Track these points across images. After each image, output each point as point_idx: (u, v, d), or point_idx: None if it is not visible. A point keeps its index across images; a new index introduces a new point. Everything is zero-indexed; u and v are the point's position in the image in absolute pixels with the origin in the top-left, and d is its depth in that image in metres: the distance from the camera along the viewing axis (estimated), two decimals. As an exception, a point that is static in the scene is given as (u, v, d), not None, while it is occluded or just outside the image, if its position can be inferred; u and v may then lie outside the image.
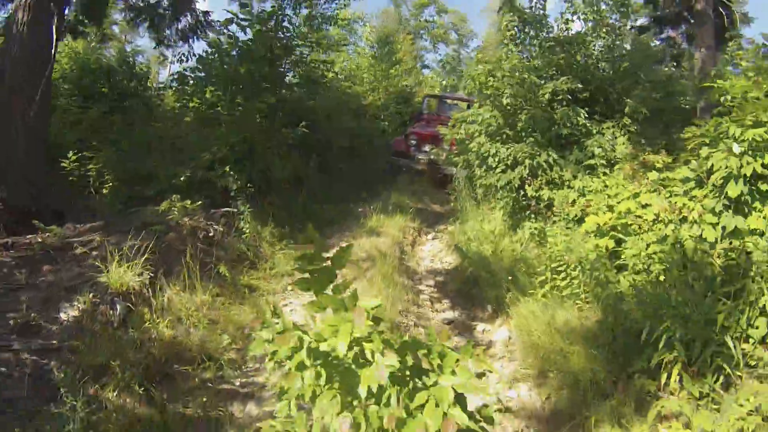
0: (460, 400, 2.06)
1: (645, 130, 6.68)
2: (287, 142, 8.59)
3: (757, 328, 3.45)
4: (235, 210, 6.69)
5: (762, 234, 4.06)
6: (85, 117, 9.52)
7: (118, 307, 4.22)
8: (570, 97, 6.80)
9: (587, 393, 3.73)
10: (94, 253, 5.35)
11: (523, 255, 5.98)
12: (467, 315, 5.75)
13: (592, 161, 6.19)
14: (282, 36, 9.81)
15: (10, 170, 6.44)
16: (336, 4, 11.92)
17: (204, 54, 9.47)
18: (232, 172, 6.99)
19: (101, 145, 8.53)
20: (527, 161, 6.38)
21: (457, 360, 2.06)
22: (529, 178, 6.42)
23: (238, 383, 3.86)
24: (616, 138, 6.48)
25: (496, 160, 6.81)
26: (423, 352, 2.12)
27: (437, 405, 1.95)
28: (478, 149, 7.12)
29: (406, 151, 12.42)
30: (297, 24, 10.33)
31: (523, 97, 6.78)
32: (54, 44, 6.92)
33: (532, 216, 6.39)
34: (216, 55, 9.21)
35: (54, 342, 3.84)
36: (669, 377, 3.38)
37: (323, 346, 2.09)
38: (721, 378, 3.38)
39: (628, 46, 8.20)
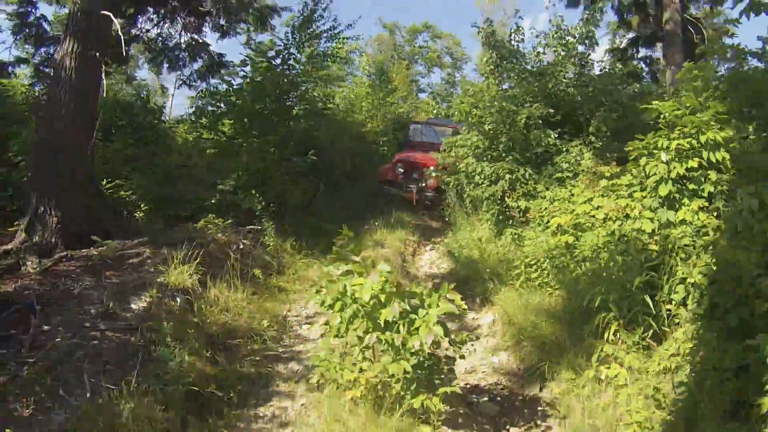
0: (443, 326, 3.19)
1: (609, 145, 7.86)
2: (297, 169, 9.80)
3: (677, 293, 4.57)
4: (259, 227, 7.85)
5: (690, 223, 5.20)
6: (109, 149, 10.67)
7: (179, 299, 5.35)
8: (542, 120, 8.03)
9: (550, 351, 4.85)
10: (149, 261, 6.52)
11: (505, 256, 7.13)
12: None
13: (560, 174, 7.38)
14: (288, 73, 11.11)
15: (66, 196, 7.60)
16: (334, 43, 13.25)
17: (218, 90, 10.78)
18: (258, 195, 8.18)
19: (131, 174, 9.72)
20: (507, 176, 7.59)
21: (439, 296, 3.20)
22: (509, 191, 7.61)
23: (280, 350, 5.00)
24: (582, 153, 7.67)
25: (482, 176, 8.01)
26: (417, 297, 3.27)
27: (426, 327, 3.09)
28: (466, 169, 8.33)
29: (394, 179, 12.45)
30: (301, 61, 11.61)
31: (502, 122, 8.00)
32: (99, 86, 8.16)
33: (513, 223, 7.55)
34: (232, 92, 10.48)
35: (132, 323, 4.97)
36: (608, 332, 4.50)
37: (356, 295, 3.24)
38: (651, 332, 4.50)
39: (596, 71, 9.48)
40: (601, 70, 9.35)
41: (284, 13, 12.39)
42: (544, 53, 8.94)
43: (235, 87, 10.44)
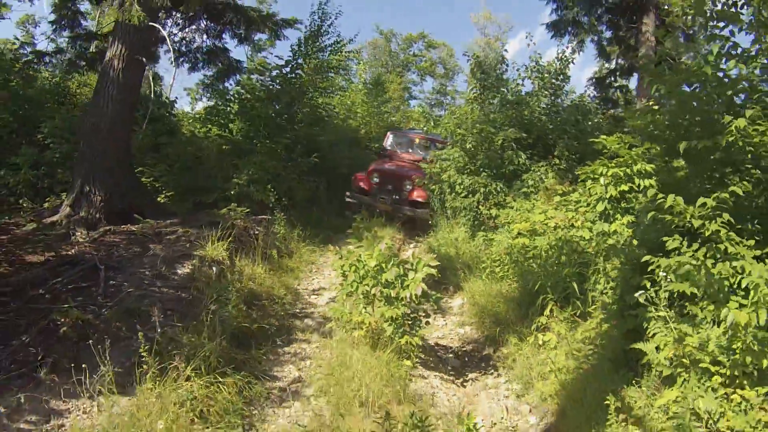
0: (425, 285, 4.74)
1: (571, 167, 9.43)
2: (303, 169, 11.30)
3: (599, 283, 6.13)
4: (270, 217, 9.33)
5: (620, 233, 6.76)
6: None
7: (214, 268, 6.82)
8: (515, 143, 9.62)
9: (504, 324, 6.40)
10: (182, 238, 7.99)
11: (476, 254, 8.68)
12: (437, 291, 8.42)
13: (527, 189, 8.96)
14: (296, 81, 12.64)
15: (110, 178, 9.01)
16: (337, 55, 14.78)
17: (236, 92, 12.30)
18: (271, 189, 9.68)
19: (156, 163, 11.16)
20: (482, 189, 9.18)
21: (424, 264, 4.74)
22: (483, 201, 9.19)
23: (296, 311, 6.50)
24: (547, 173, 9.24)
25: (461, 187, 9.58)
26: (409, 264, 4.81)
27: (415, 283, 4.62)
28: (449, 179, 9.90)
29: (368, 189, 12.12)
30: (307, 72, 13.14)
31: (481, 142, 9.58)
32: (140, 85, 9.62)
33: (484, 228, 9.11)
34: (249, 96, 11.99)
35: (181, 283, 6.43)
36: (546, 309, 6.05)
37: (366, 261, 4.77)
38: (579, 311, 6.04)
39: (569, 101, 11.10)
40: (572, 102, 10.96)
41: (297, 25, 14.00)
42: (522, 85, 10.58)
43: (250, 92, 11.96)
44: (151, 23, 9.08)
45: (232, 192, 9.56)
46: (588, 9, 16.39)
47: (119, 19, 9.30)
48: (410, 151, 13.84)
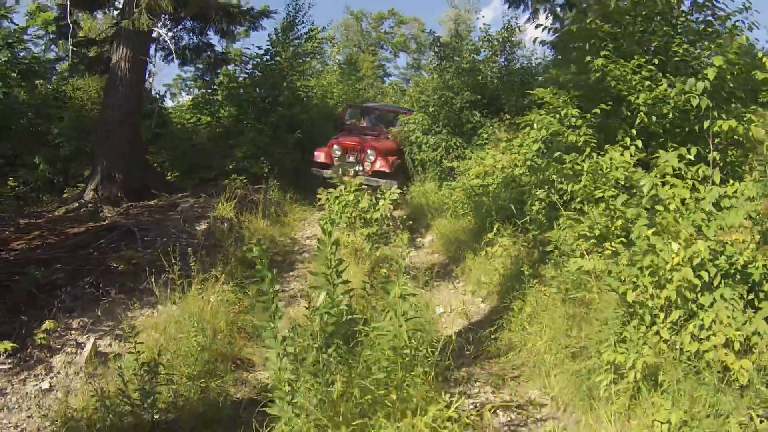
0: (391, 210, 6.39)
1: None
2: (288, 144, 12.89)
3: (534, 205, 7.78)
4: (265, 186, 10.93)
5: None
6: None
7: (226, 224, 8.45)
8: (471, 104, 11.26)
9: (463, 247, 8.08)
10: (195, 206, 9.60)
11: (442, 200, 10.34)
12: (411, 234, 10.11)
13: (481, 142, 10.63)
14: (276, 68, 14.20)
15: (125, 163, 10.57)
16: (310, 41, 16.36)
17: (222, 81, 13.89)
18: (265, 162, 11.32)
19: (155, 150, 12.77)
20: (443, 144, 10.85)
21: (390, 193, 6.40)
22: (446, 155, 10.85)
23: (296, 249, 8.18)
24: (500, 127, 10.89)
25: (427, 145, 11.24)
26: (379, 193, 6.47)
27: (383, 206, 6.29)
28: (415, 140, 11.56)
29: (329, 162, 12.27)
30: (285, 58, 14.68)
31: (441, 106, 11.23)
32: (144, 80, 11.17)
33: (448, 178, 10.78)
34: (235, 84, 13.57)
35: (197, 238, 8.06)
36: (494, 228, 7.72)
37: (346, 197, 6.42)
38: (519, 228, 7.72)
39: (518, 66, 12.76)
40: (520, 65, 12.62)
41: (273, 15, 15.55)
42: (478, 53, 12.21)
43: (235, 81, 13.55)
44: (152, 27, 10.61)
45: (230, 167, 11.17)
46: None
47: (125, 26, 10.79)
48: (369, 123, 14.17)
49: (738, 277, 3.61)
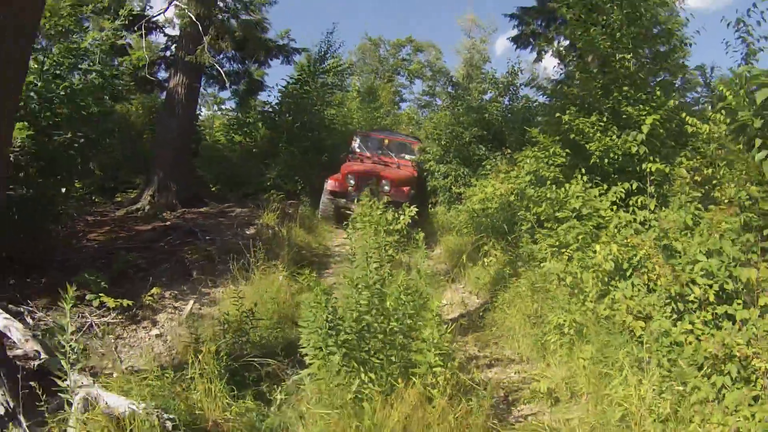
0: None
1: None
2: (316, 166, 15.05)
3: (522, 225, 9.82)
4: (298, 201, 13.04)
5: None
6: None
7: (270, 230, 10.53)
8: (478, 138, 13.39)
9: (465, 258, 10.12)
10: (241, 214, 11.72)
11: (450, 221, 12.42)
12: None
13: (485, 172, 12.71)
14: (307, 98, 16.43)
15: (178, 174, 12.73)
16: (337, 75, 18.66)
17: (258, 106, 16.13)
18: (299, 181, 13.46)
19: (202, 164, 14.97)
20: (453, 173, 12.96)
21: (409, 209, 8.47)
22: (455, 182, 12.95)
23: (329, 253, 10.26)
24: (502, 160, 12.97)
25: (439, 173, 13.36)
26: (401, 211, 8.57)
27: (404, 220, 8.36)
28: (429, 168, 13.70)
29: (343, 191, 12.77)
30: (314, 89, 16.93)
31: (452, 140, 13.38)
32: (197, 104, 13.40)
33: (456, 203, 12.87)
34: (270, 111, 15.81)
35: (250, 239, 10.14)
36: (489, 243, 9.76)
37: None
38: (512, 241, 9.76)
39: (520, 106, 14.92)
40: (521, 106, 14.79)
41: (306, 50, 17.90)
42: (484, 94, 14.41)
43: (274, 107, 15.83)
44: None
45: (268, 183, 13.31)
46: (546, 24, 20.17)
47: (183, 58, 12.99)
48: (379, 152, 14.64)
49: (641, 269, 5.64)
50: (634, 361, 4.72)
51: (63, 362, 3.99)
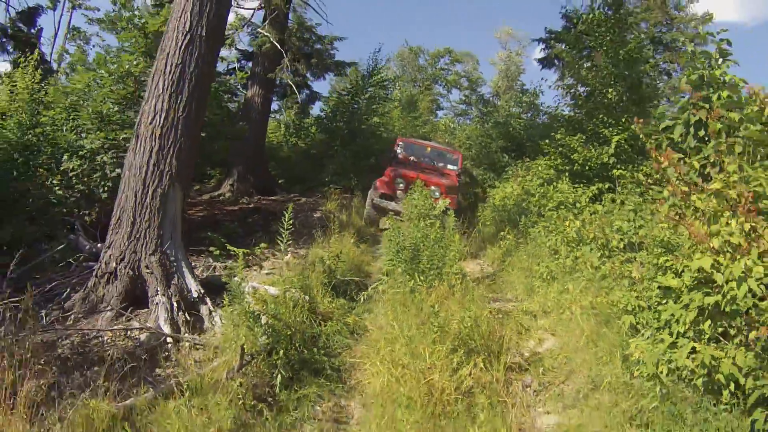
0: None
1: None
2: (365, 167, 18.48)
3: (534, 216, 13.08)
4: (351, 195, 16.45)
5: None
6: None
7: (333, 214, 13.96)
8: (503, 148, 16.70)
9: (486, 242, 13.40)
10: (307, 203, 15.19)
11: (477, 215, 15.71)
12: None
13: (507, 176, 15.99)
14: (357, 108, 19.93)
15: (255, 170, 16.26)
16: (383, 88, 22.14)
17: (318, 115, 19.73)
18: (353, 179, 16.92)
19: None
20: (480, 177, 16.27)
21: (444, 203, 11.80)
22: (482, 185, 16.26)
23: (378, 234, 13.66)
24: (522, 167, 16.23)
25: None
26: (439, 202, 11.92)
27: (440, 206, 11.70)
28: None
29: (392, 193, 13.74)
30: (363, 100, 20.40)
31: (481, 149, 16.70)
32: (270, 111, 16.98)
33: (483, 201, 16.17)
34: (324, 117, 19.37)
35: (318, 220, 13.56)
36: (506, 228, 13.04)
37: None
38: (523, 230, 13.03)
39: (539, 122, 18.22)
40: (541, 122, 18.07)
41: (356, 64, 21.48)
42: (510, 110, 17.75)
43: (329, 114, 19.37)
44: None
45: (327, 179, 16.78)
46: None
47: (255, 70, 16.58)
48: (421, 159, 15.70)
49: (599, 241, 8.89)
50: (580, 285, 8.01)
51: (237, 272, 7.34)
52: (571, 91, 13.49)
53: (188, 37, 7.14)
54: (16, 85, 11.48)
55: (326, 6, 45.78)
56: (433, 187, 13.38)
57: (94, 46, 32.15)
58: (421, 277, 7.30)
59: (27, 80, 11.44)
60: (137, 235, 6.88)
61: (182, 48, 7.12)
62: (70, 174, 9.98)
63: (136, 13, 11.50)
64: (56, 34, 29.96)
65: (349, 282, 8.64)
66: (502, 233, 12.83)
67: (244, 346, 5.26)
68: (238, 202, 15.27)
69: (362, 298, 8.01)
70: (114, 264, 6.81)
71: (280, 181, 17.78)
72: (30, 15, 20.76)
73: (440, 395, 4.95)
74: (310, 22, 19.16)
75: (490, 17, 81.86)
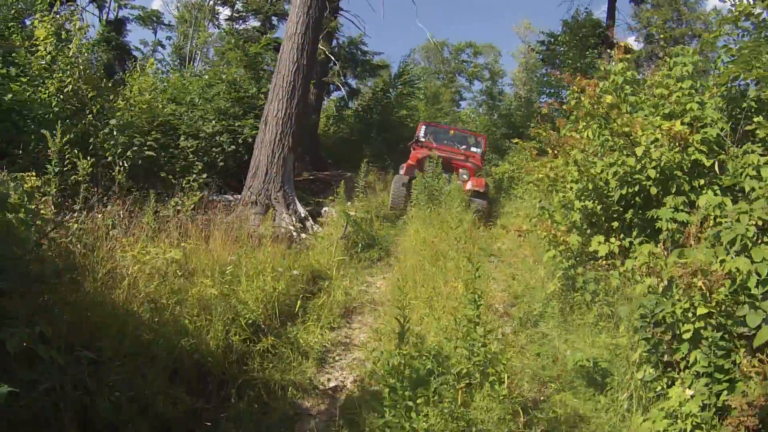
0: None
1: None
2: (396, 152, 24.04)
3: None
4: (385, 172, 22.04)
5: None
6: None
7: (372, 184, 19.61)
8: (503, 135, 22.21)
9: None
10: (350, 178, 20.89)
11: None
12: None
13: (508, 158, 21.47)
14: (388, 102, 25.60)
15: (311, 151, 21.94)
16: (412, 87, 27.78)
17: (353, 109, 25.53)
18: (387, 159, 22.56)
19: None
20: (486, 158, 21.82)
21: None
22: (488, 164, 21.79)
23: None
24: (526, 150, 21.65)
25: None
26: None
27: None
28: (473, 153, 22.64)
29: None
30: (393, 95, 26.03)
31: (492, 134, 22.24)
32: (322, 107, 22.73)
33: (488, 176, 21.70)
34: (363, 111, 25.13)
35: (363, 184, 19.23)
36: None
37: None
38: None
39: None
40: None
41: (389, 65, 27.15)
42: (513, 101, 23.28)
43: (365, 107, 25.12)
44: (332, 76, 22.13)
45: (366, 159, 22.45)
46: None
47: (319, 79, 22.30)
48: (445, 142, 16.92)
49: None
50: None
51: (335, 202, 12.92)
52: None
53: (296, 65, 12.80)
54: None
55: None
56: (461, 170, 14.90)
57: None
58: (449, 217, 12.84)
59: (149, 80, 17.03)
60: (269, 180, 12.53)
61: (293, 72, 12.77)
62: (188, 150, 15.45)
63: (239, 39, 17.30)
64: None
65: (389, 215, 14.27)
66: (503, 200, 18.38)
67: (346, 224, 10.87)
68: (301, 175, 20.95)
69: (398, 225, 13.66)
70: (254, 197, 12.48)
71: (328, 161, 23.53)
72: (118, 24, 26.64)
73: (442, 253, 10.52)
74: (349, 32, 24.90)
75: (510, 11, 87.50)
